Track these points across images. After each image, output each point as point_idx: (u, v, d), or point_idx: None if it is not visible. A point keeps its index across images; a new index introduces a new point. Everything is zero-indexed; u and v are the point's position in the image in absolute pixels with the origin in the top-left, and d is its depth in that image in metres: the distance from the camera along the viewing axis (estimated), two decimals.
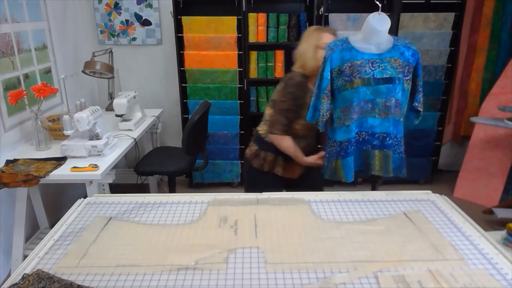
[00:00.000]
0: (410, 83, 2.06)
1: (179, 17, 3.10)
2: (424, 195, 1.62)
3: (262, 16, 3.12)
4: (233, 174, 3.51)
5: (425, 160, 3.47)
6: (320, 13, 3.06)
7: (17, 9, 2.48)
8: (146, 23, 3.36)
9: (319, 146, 3.36)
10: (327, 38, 1.94)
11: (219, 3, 3.19)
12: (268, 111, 2.04)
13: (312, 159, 2.01)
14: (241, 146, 3.39)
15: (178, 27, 3.11)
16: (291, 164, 2.07)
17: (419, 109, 2.13)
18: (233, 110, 3.32)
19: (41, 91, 2.28)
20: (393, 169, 2.09)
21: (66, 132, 2.23)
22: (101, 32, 3.40)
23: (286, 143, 1.98)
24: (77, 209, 1.52)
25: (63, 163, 2.17)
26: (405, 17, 3.10)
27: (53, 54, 2.89)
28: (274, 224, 1.39)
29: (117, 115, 2.76)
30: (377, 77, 1.96)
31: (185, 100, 3.29)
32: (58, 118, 2.63)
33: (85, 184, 2.11)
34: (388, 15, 2.02)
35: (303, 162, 2.01)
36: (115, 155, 2.29)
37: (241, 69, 3.21)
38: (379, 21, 1.97)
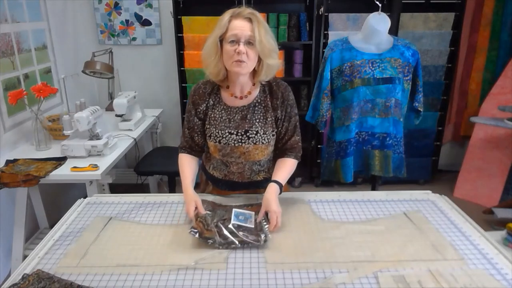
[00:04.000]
0: (410, 83, 2.06)
1: (179, 17, 3.10)
2: (424, 195, 1.62)
3: (262, 16, 3.11)
4: None
5: (425, 160, 3.47)
6: (320, 13, 3.07)
7: (17, 9, 2.48)
8: (146, 23, 3.36)
9: (319, 146, 3.37)
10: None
11: (219, 3, 3.17)
12: None
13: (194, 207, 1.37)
14: None
15: (178, 27, 3.11)
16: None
17: (419, 109, 2.13)
18: None
19: (41, 91, 2.28)
20: (393, 169, 2.10)
21: (66, 132, 2.23)
22: (101, 32, 3.39)
23: (179, 162, 1.54)
24: (77, 209, 1.52)
25: (63, 163, 2.17)
26: (405, 17, 3.11)
27: (53, 54, 2.89)
28: None
29: (117, 115, 2.76)
30: (377, 77, 1.96)
31: (185, 100, 3.29)
32: (58, 118, 2.63)
33: (85, 184, 2.11)
34: (388, 15, 2.03)
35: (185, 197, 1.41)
36: (115, 155, 2.28)
37: None
38: (379, 21, 1.97)
